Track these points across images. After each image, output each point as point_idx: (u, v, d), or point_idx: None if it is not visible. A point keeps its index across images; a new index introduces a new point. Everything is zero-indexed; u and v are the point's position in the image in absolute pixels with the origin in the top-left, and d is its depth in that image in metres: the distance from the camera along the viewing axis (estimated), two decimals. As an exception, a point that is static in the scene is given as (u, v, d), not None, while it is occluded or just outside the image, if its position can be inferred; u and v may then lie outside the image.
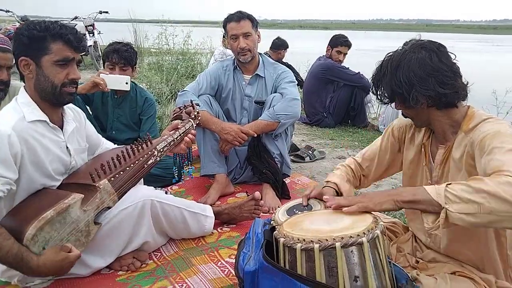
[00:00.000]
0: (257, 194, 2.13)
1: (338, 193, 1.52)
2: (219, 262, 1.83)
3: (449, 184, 1.11)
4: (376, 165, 1.62)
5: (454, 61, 1.31)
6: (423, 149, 1.45)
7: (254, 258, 1.27)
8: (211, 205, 2.22)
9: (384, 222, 1.56)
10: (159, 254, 1.89)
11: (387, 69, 1.32)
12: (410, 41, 1.35)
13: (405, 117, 1.44)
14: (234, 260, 1.62)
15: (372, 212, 1.21)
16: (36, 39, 1.49)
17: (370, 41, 28.74)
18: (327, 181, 1.57)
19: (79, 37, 1.58)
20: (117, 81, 2.44)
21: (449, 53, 1.31)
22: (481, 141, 1.20)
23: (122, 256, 1.74)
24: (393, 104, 1.40)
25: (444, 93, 1.27)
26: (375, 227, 1.12)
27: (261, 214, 2.21)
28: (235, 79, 2.68)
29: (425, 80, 1.26)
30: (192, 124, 2.03)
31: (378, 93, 1.38)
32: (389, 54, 1.36)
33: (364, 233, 1.09)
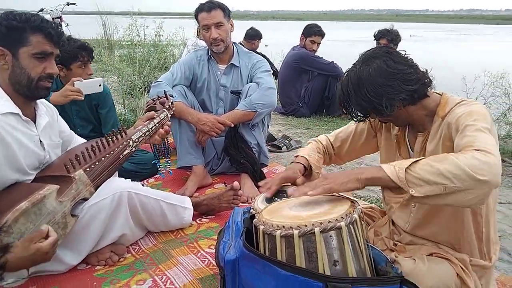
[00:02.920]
0: (235, 184, 2.13)
1: (307, 167, 1.56)
2: (199, 253, 1.82)
3: (409, 166, 1.10)
4: (349, 147, 1.65)
5: (406, 55, 1.33)
6: (396, 140, 1.48)
7: (235, 246, 1.27)
8: (189, 197, 2.20)
9: (361, 206, 1.59)
10: (137, 247, 1.87)
11: (350, 90, 1.32)
12: (360, 56, 1.36)
13: (385, 123, 1.45)
14: (214, 250, 1.61)
15: (350, 197, 1.22)
16: (15, 29, 1.45)
17: (342, 31, 29.03)
18: (296, 156, 1.60)
19: (60, 32, 1.53)
20: (92, 86, 2.35)
21: (399, 52, 1.33)
22: (456, 121, 1.23)
23: (99, 250, 1.71)
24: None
25: (413, 89, 1.28)
26: (353, 211, 1.13)
27: (240, 203, 2.21)
28: (209, 69, 2.65)
29: (391, 86, 1.27)
30: (167, 114, 1.99)
31: (351, 113, 1.38)
32: (346, 74, 1.36)
33: (342, 217, 1.09)
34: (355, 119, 1.42)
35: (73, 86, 2.24)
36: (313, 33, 4.59)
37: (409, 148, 1.46)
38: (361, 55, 1.35)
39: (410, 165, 1.11)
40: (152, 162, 2.50)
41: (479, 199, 1.07)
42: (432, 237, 1.43)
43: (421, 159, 1.12)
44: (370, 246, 1.23)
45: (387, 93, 1.27)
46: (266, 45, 6.27)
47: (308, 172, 1.59)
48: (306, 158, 1.58)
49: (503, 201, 2.55)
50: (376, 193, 2.60)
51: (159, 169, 2.51)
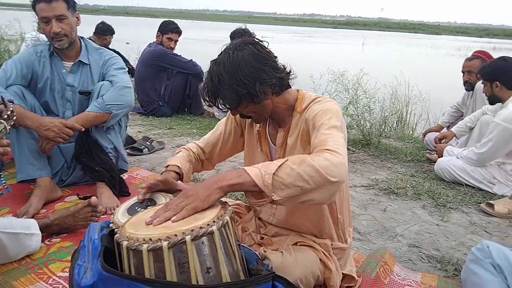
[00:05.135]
0: (93, 199, 1.90)
1: (181, 175, 1.48)
2: (51, 279, 1.58)
3: (276, 170, 1.10)
4: (220, 148, 1.63)
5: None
6: (257, 136, 1.51)
7: (92, 269, 1.10)
8: (34, 215, 1.89)
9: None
10: (-33, 285, 1.52)
11: (222, 75, 1.28)
12: (228, 45, 1.35)
13: (247, 117, 1.43)
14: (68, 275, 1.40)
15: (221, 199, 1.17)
16: None
17: (198, 30, 29.41)
18: (167, 165, 1.50)
19: None
20: None
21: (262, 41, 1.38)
22: (313, 118, 1.30)
23: None
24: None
25: (282, 76, 1.34)
26: (224, 213, 1.09)
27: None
28: (52, 67, 2.32)
29: (264, 71, 1.29)
30: (5, 127, 1.63)
31: (220, 103, 1.34)
32: (216, 62, 1.31)
33: (214, 221, 1.04)
34: (223, 109, 1.39)
35: None
36: (170, 30, 4.49)
37: (271, 142, 1.50)
38: (228, 45, 1.33)
39: (276, 169, 1.10)
40: None
41: (329, 197, 1.13)
42: (296, 227, 1.49)
43: (283, 162, 1.12)
44: (242, 245, 1.20)
45: (261, 78, 1.28)
46: (128, 43, 5.81)
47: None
48: (178, 166, 1.48)
49: (349, 184, 2.84)
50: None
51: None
